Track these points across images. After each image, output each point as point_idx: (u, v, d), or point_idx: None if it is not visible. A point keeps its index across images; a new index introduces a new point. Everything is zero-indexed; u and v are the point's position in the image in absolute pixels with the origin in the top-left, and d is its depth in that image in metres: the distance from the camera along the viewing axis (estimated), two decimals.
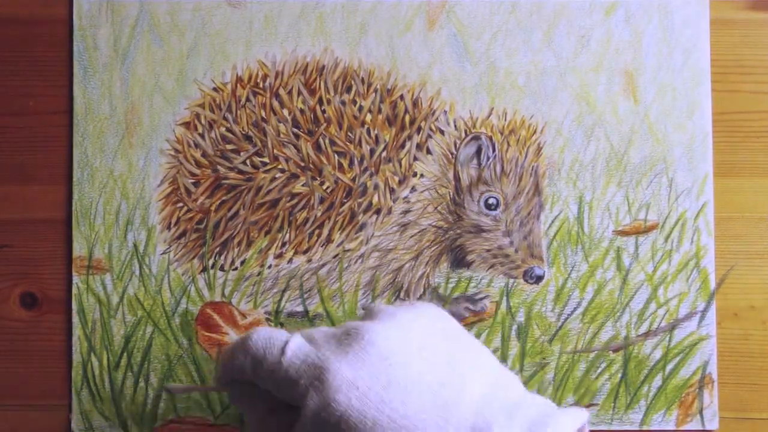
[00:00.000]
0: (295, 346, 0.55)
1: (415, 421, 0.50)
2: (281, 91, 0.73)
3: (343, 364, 0.52)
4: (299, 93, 0.72)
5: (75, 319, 0.72)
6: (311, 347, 0.54)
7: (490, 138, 0.72)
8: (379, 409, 0.50)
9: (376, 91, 0.72)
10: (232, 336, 0.72)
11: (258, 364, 0.56)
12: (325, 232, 0.72)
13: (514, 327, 0.72)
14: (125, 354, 0.72)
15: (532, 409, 0.52)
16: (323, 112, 0.72)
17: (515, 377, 0.58)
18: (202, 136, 0.73)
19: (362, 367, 0.52)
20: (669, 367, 0.72)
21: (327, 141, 0.72)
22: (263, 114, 0.72)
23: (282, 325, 0.72)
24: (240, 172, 0.72)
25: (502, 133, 0.72)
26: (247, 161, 0.72)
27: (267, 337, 0.56)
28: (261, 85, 0.73)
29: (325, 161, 0.72)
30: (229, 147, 0.72)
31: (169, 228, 0.73)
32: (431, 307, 0.60)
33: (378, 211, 0.72)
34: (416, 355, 0.53)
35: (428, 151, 0.72)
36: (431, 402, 0.50)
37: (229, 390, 0.59)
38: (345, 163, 0.72)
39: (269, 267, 0.72)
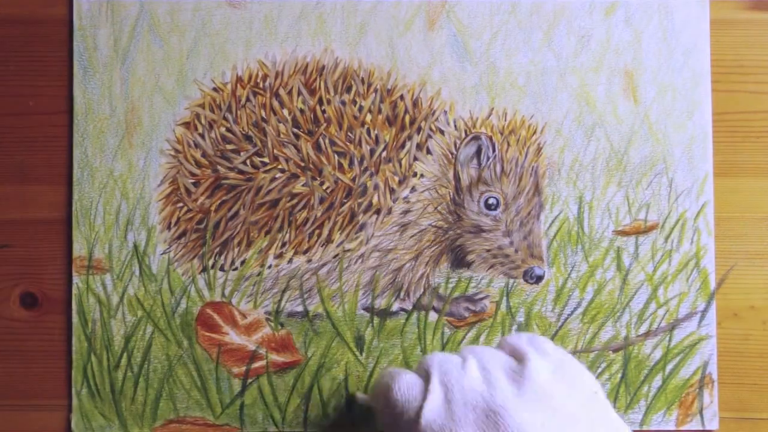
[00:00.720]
0: (430, 414, 0.54)
1: None
2: (281, 91, 0.73)
3: None
4: (299, 93, 0.72)
5: (75, 319, 0.72)
6: (447, 419, 0.53)
7: (490, 138, 0.72)
8: None
9: (376, 91, 0.72)
10: (232, 336, 0.72)
11: (398, 416, 0.56)
12: (325, 232, 0.72)
13: (514, 327, 0.72)
14: (125, 354, 0.72)
15: None
16: (323, 112, 0.72)
17: None
18: (202, 136, 0.73)
19: None
20: (669, 367, 0.72)
21: (327, 141, 0.72)
22: (263, 114, 0.72)
23: (282, 325, 0.72)
24: (240, 172, 0.72)
25: (502, 133, 0.72)
26: (247, 161, 0.72)
27: (406, 390, 0.56)
28: (261, 85, 0.73)
29: (325, 161, 0.72)
30: (229, 147, 0.72)
31: (169, 228, 0.73)
32: (586, 382, 0.57)
33: (378, 211, 0.72)
34: None
35: (428, 151, 0.72)
36: None
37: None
38: (345, 163, 0.72)
39: (269, 267, 0.72)
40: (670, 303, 0.73)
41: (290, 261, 0.72)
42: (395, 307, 0.73)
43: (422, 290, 0.73)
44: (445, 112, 0.73)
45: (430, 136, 0.72)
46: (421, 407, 0.55)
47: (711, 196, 0.73)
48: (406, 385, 0.56)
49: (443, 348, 0.72)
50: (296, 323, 0.73)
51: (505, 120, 0.73)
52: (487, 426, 0.51)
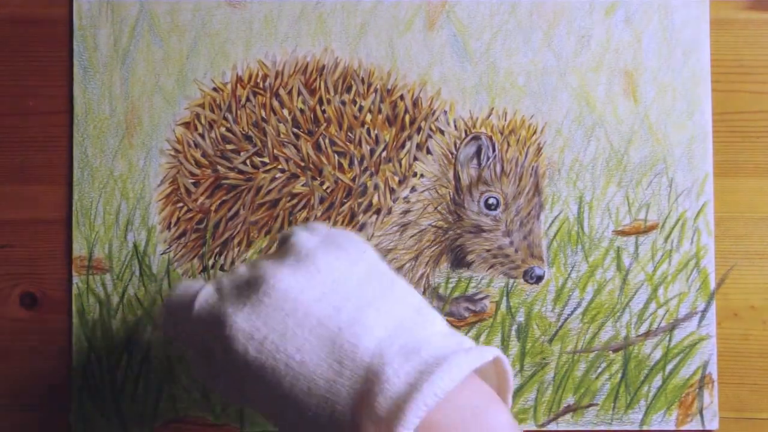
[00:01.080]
0: (203, 299, 0.56)
1: (312, 367, 0.51)
2: (281, 91, 0.73)
3: (239, 317, 0.53)
4: (299, 93, 0.73)
5: (75, 319, 0.72)
6: (216, 298, 0.55)
7: (490, 138, 0.72)
8: (276, 358, 0.51)
9: (376, 91, 0.72)
10: None
11: (176, 323, 0.58)
12: None
13: (514, 327, 0.72)
14: (125, 354, 0.72)
15: (430, 350, 0.51)
16: (323, 112, 0.72)
17: (433, 317, 0.55)
18: (202, 136, 0.73)
19: (258, 318, 0.53)
20: (669, 367, 0.72)
21: (327, 141, 0.72)
22: (263, 114, 0.72)
23: None
24: (240, 172, 0.72)
25: (502, 133, 0.72)
26: (247, 161, 0.72)
27: (181, 293, 0.57)
28: (261, 85, 0.73)
29: (325, 161, 0.72)
30: (229, 147, 0.72)
31: (169, 228, 0.73)
32: (355, 244, 0.58)
33: (378, 211, 0.72)
34: (319, 302, 0.53)
35: (428, 151, 0.72)
36: (329, 348, 0.51)
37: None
38: (345, 163, 0.72)
39: None
40: (670, 303, 0.73)
41: None
42: None
43: (422, 290, 0.73)
44: (445, 112, 0.73)
45: (430, 136, 0.72)
46: (195, 296, 0.56)
47: (711, 196, 0.73)
48: (184, 286, 0.58)
49: None
50: None
51: (505, 120, 0.73)
52: (252, 292, 0.53)
